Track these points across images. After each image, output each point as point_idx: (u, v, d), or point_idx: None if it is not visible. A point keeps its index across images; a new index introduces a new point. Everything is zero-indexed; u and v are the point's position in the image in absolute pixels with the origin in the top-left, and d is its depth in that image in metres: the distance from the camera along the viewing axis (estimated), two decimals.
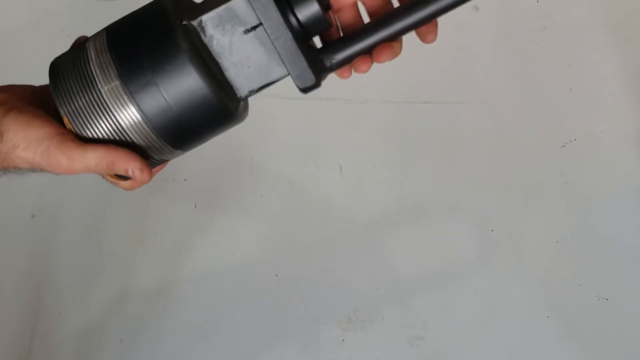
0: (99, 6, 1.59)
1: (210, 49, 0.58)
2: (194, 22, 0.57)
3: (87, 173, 0.60)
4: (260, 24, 0.56)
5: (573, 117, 1.50)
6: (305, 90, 0.59)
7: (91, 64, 0.58)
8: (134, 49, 0.58)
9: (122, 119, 0.58)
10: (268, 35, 0.56)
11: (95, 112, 0.58)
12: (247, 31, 0.57)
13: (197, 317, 1.31)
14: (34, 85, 0.65)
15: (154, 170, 0.64)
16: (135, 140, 0.59)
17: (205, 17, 0.57)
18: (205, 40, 0.58)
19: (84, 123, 0.59)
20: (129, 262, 1.35)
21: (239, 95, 0.60)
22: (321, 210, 1.41)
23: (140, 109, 0.57)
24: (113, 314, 1.31)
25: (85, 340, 1.29)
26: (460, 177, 1.44)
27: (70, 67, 0.60)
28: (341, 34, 0.64)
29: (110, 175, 0.62)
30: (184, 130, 0.59)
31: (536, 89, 1.54)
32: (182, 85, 0.57)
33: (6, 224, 1.37)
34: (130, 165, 0.59)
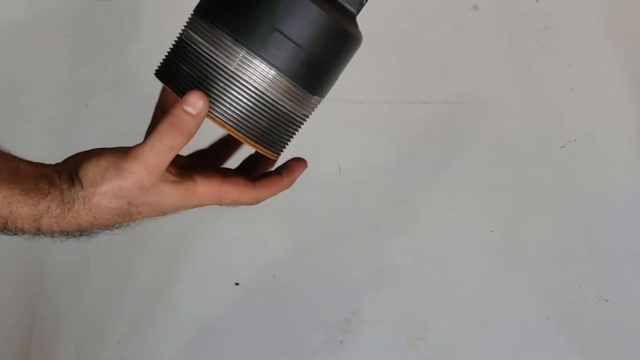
0: (97, 6, 1.58)
1: None
2: None
3: (159, 159, 0.55)
4: None
5: (573, 117, 1.49)
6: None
7: (202, 45, 0.55)
8: (235, 6, 0.55)
9: (253, 79, 0.55)
10: None
11: (227, 86, 0.55)
12: None
13: (195, 318, 1.31)
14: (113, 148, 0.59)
15: (294, 170, 0.62)
16: (271, 97, 0.56)
17: None
18: None
19: (227, 108, 0.56)
20: (127, 263, 1.35)
21: (352, 10, 0.59)
22: (320, 210, 1.40)
23: (267, 61, 0.55)
24: (111, 315, 1.30)
25: (83, 341, 1.29)
26: (459, 177, 1.44)
27: (182, 63, 0.57)
28: None
29: (225, 185, 0.58)
30: (315, 67, 0.57)
31: (536, 88, 1.53)
32: (302, 20, 0.54)
33: None
34: (182, 106, 0.54)
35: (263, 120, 0.57)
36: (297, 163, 0.63)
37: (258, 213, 1.41)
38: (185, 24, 0.59)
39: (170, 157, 0.55)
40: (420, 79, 1.52)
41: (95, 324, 1.30)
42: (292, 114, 0.59)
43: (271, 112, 0.57)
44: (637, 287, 1.33)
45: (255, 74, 0.55)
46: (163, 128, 0.54)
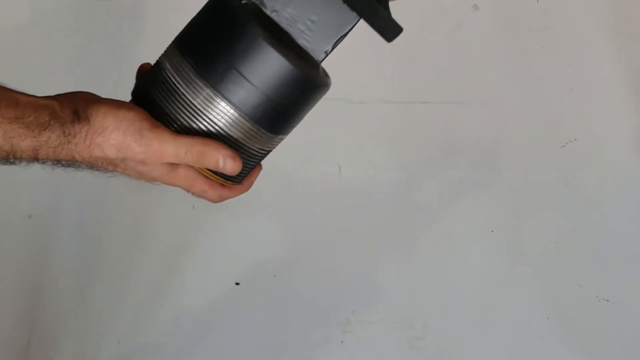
0: (98, 6, 1.58)
1: (276, 19, 0.57)
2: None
3: (170, 169, 0.59)
4: None
5: (573, 117, 1.49)
6: (391, 40, 0.58)
7: (172, 76, 0.58)
8: (205, 46, 0.57)
9: (217, 117, 0.57)
10: None
11: (191, 120, 0.58)
12: None
13: (195, 318, 1.31)
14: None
15: (251, 176, 0.65)
16: (234, 135, 0.58)
17: None
18: (269, 12, 0.57)
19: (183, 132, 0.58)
20: (127, 262, 1.35)
21: (316, 59, 0.59)
22: (320, 210, 1.40)
23: (231, 102, 0.57)
24: (111, 314, 1.30)
25: (83, 341, 1.29)
26: (459, 177, 1.44)
27: (153, 87, 0.59)
28: None
29: (202, 174, 0.61)
30: (277, 111, 0.58)
31: (536, 88, 1.53)
32: (264, 66, 0.56)
33: (3, 224, 1.37)
34: (221, 153, 0.58)
35: None
36: (254, 170, 0.67)
37: (259, 213, 1.41)
38: (164, 51, 0.61)
39: (179, 162, 0.59)
40: (421, 79, 1.53)
41: (95, 323, 1.30)
42: (251, 150, 0.61)
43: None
44: (637, 287, 1.33)
45: (217, 112, 0.57)
46: (197, 146, 0.58)
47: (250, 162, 0.62)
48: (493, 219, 1.40)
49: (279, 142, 0.62)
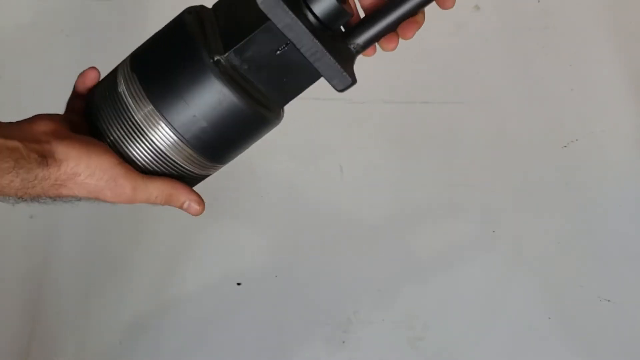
0: (98, 6, 1.58)
1: (244, 72, 0.58)
2: (225, 57, 0.57)
3: (144, 203, 0.62)
4: (287, 43, 0.56)
5: (574, 117, 1.49)
6: (343, 90, 0.58)
7: (123, 93, 0.59)
8: (157, 70, 0.58)
9: (158, 140, 0.59)
10: (294, 45, 0.56)
11: (133, 138, 0.59)
12: (277, 51, 0.57)
13: (196, 318, 1.31)
14: (60, 114, 0.64)
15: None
16: (174, 159, 0.60)
17: (235, 50, 0.57)
18: (239, 67, 0.57)
19: (126, 150, 0.60)
20: (128, 263, 1.35)
21: (275, 106, 0.60)
22: (322, 210, 1.40)
23: (173, 128, 0.58)
24: (112, 315, 1.30)
25: (84, 341, 1.29)
26: (460, 177, 1.44)
27: (103, 97, 0.61)
28: (361, 16, 0.62)
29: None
30: (219, 142, 0.60)
31: (537, 88, 1.53)
32: (209, 98, 0.57)
33: (5, 225, 1.37)
34: (189, 197, 0.62)
35: (160, 172, 0.61)
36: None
37: (260, 213, 1.41)
38: (121, 63, 0.62)
39: (148, 203, 0.61)
40: (422, 79, 1.52)
41: (97, 324, 1.30)
42: (190, 173, 0.62)
43: (169, 169, 0.61)
44: (638, 287, 1.33)
45: (158, 133, 0.59)
46: (167, 190, 0.61)
47: (187, 183, 0.65)
48: (494, 219, 1.40)
49: (217, 168, 0.64)
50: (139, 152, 0.60)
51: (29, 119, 0.61)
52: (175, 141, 0.59)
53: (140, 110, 0.58)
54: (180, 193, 0.61)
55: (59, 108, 0.66)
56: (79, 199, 0.60)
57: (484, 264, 1.36)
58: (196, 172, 0.62)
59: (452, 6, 0.63)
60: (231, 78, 0.57)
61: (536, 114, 1.50)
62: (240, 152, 0.64)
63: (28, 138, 0.57)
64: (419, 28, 0.62)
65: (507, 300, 1.32)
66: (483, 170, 1.45)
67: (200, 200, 0.62)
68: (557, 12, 1.60)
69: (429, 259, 1.36)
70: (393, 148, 1.47)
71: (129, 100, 0.59)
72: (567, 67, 1.55)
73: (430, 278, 1.34)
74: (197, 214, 0.63)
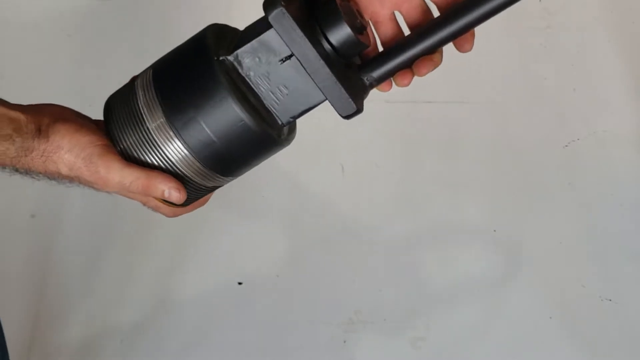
0: (99, 6, 1.59)
1: (248, 80, 0.59)
2: (230, 57, 0.58)
3: (120, 191, 0.62)
4: (291, 55, 0.57)
5: (576, 117, 1.49)
6: (347, 117, 0.60)
7: (139, 102, 0.60)
8: (177, 86, 0.59)
9: (170, 153, 0.60)
10: (302, 65, 0.56)
11: (145, 149, 0.60)
12: (282, 61, 0.58)
13: (197, 317, 1.31)
14: (74, 110, 0.66)
15: (204, 198, 0.67)
16: (185, 173, 0.61)
17: (240, 51, 0.58)
18: (243, 72, 0.58)
19: (137, 159, 0.61)
20: (129, 262, 1.35)
21: (280, 123, 0.61)
22: (323, 210, 1.40)
23: (186, 144, 0.59)
24: (113, 314, 1.30)
25: (85, 341, 1.29)
26: (462, 177, 1.44)
27: (121, 105, 0.62)
28: (380, 49, 0.63)
29: (153, 201, 0.64)
30: (230, 159, 0.61)
31: (539, 88, 1.53)
32: (223, 119, 0.58)
33: (6, 224, 1.37)
34: (167, 185, 0.61)
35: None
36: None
37: (261, 212, 1.41)
38: (141, 73, 0.63)
39: (124, 190, 0.62)
40: (423, 79, 1.51)
41: (98, 322, 1.30)
42: (199, 185, 0.63)
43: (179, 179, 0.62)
44: None
45: (169, 144, 0.60)
46: (141, 180, 0.61)
47: (199, 194, 0.65)
48: (496, 218, 1.40)
49: (227, 181, 0.65)
50: (150, 162, 0.61)
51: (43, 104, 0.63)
52: (186, 155, 0.60)
53: (154, 122, 0.59)
54: (158, 181, 0.61)
55: None
56: (63, 178, 0.61)
57: (485, 264, 1.36)
58: (200, 181, 0.63)
59: (470, 49, 0.63)
60: (239, 91, 0.58)
61: (538, 113, 1.50)
62: (250, 167, 0.64)
63: (31, 112, 0.60)
64: (435, 67, 0.62)
65: (509, 300, 1.32)
66: (484, 170, 1.44)
67: (180, 187, 0.61)
68: (559, 11, 1.60)
69: (431, 258, 1.36)
70: (394, 148, 1.47)
71: (144, 109, 0.60)
72: (569, 67, 1.55)
73: (432, 277, 1.34)
74: (179, 202, 0.62)
